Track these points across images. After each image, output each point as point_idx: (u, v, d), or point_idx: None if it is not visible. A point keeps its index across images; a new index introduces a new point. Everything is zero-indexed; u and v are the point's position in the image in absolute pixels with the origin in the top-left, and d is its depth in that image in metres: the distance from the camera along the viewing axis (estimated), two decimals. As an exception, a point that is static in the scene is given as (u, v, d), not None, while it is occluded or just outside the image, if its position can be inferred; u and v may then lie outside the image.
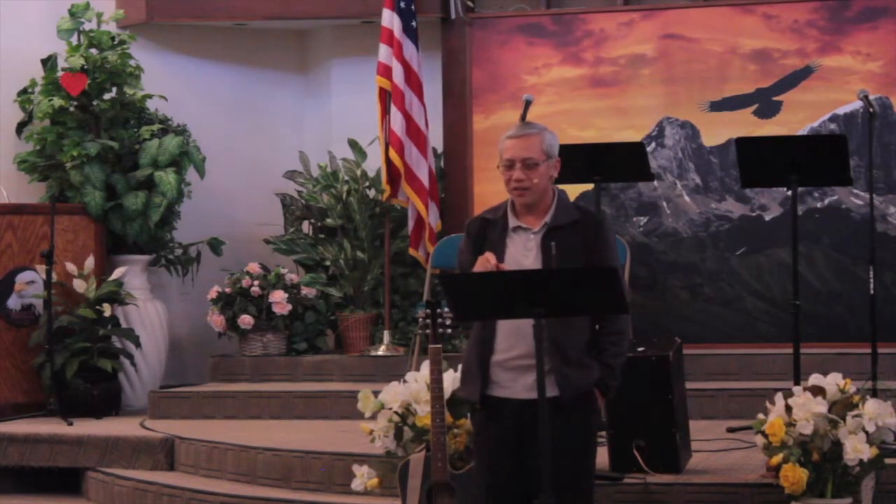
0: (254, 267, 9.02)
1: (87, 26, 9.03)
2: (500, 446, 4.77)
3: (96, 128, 9.03)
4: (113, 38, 9.06)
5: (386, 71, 8.64)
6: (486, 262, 4.69)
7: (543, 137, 4.81)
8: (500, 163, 4.82)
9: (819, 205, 8.59)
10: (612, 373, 4.80)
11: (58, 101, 8.85)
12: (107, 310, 8.58)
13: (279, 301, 8.86)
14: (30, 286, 8.68)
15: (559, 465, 4.57)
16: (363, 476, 6.05)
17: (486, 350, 4.78)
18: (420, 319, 7.77)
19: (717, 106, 8.75)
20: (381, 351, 8.80)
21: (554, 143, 4.85)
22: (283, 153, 9.75)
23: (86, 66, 8.90)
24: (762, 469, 5.76)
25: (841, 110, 8.57)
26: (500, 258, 4.79)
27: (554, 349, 4.66)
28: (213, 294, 8.98)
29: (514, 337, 4.73)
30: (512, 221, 4.85)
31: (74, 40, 9.01)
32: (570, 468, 4.69)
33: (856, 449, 5.30)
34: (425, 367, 5.73)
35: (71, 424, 8.11)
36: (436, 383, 5.44)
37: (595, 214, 4.94)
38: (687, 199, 8.83)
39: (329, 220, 9.28)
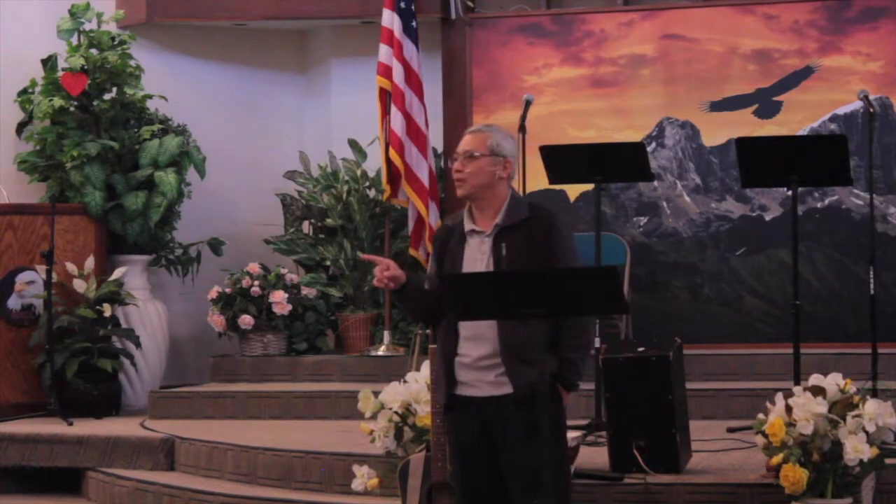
0: (254, 267, 9.02)
1: (87, 26, 9.03)
2: (468, 445, 4.80)
3: (96, 128, 9.03)
4: (113, 39, 9.06)
5: (386, 71, 8.65)
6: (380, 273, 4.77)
7: (492, 135, 4.85)
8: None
9: (819, 205, 8.59)
10: (572, 366, 4.77)
11: (58, 102, 8.85)
12: (107, 310, 8.58)
13: (279, 301, 8.86)
14: (30, 286, 8.68)
15: (525, 459, 4.59)
16: (363, 476, 6.05)
17: (450, 353, 4.80)
18: (420, 319, 7.80)
19: (717, 106, 8.75)
20: (382, 351, 8.81)
21: (504, 144, 4.85)
22: (283, 153, 9.75)
23: (86, 67, 8.90)
24: (762, 469, 5.76)
25: (841, 110, 8.57)
26: (459, 264, 4.81)
27: (507, 349, 4.69)
28: (213, 294, 8.98)
29: (472, 342, 4.76)
30: (467, 225, 4.86)
31: (74, 40, 9.01)
32: (538, 462, 4.67)
33: (856, 449, 5.30)
34: (425, 367, 5.73)
35: (71, 424, 8.11)
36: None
37: (548, 212, 4.89)
38: (687, 199, 8.83)
39: (329, 220, 9.28)
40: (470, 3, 9.18)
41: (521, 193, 5.00)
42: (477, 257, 4.81)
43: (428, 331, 5.46)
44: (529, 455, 4.57)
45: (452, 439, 4.91)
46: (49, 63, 9.11)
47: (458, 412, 4.82)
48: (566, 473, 4.94)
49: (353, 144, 9.32)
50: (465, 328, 4.77)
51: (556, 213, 4.92)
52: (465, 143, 4.87)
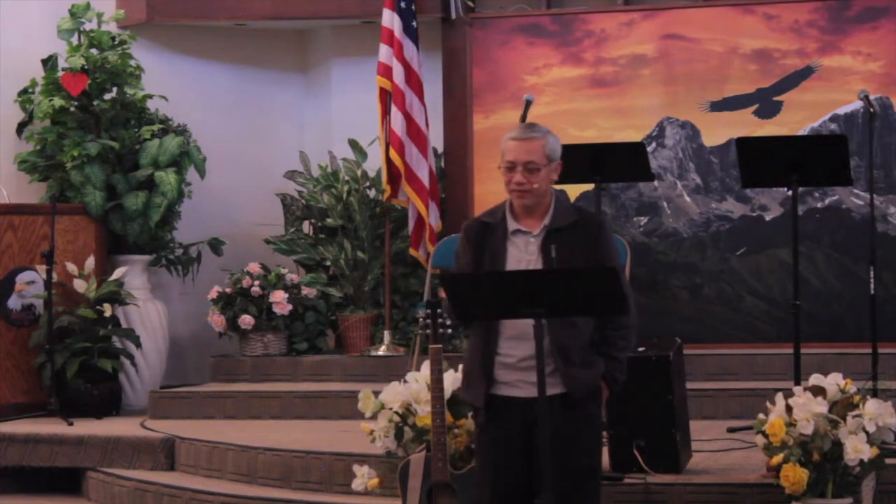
0: (254, 267, 9.02)
1: (87, 26, 9.03)
2: (507, 445, 4.77)
3: (96, 128, 9.03)
4: (113, 38, 9.06)
5: (386, 71, 8.65)
6: None
7: (547, 141, 4.81)
8: (502, 164, 4.82)
9: (819, 205, 8.59)
10: (620, 366, 4.84)
11: (58, 101, 8.85)
12: (107, 310, 8.58)
13: (279, 301, 8.86)
14: (30, 286, 8.68)
15: (569, 460, 4.60)
16: (363, 476, 6.05)
17: (490, 354, 4.77)
18: (420, 319, 7.80)
19: (717, 106, 8.74)
20: (382, 351, 8.80)
21: (556, 146, 4.84)
22: (283, 153, 9.75)
23: (86, 66, 8.90)
24: (762, 469, 5.76)
25: (841, 110, 8.57)
26: (502, 263, 4.79)
27: (556, 350, 4.67)
28: (213, 294, 8.98)
29: (515, 342, 4.73)
30: (511, 225, 4.84)
31: (75, 40, 9.01)
32: (580, 463, 4.71)
33: (856, 449, 5.30)
34: (425, 367, 5.73)
35: (71, 424, 8.11)
36: (436, 383, 5.45)
37: (595, 215, 4.96)
38: (687, 199, 8.83)
39: (329, 220, 9.28)
40: (470, 3, 9.18)
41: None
42: (524, 257, 4.80)
43: (428, 331, 5.45)
44: (573, 455, 4.59)
45: (488, 438, 4.84)
46: (49, 63, 9.11)
47: (495, 412, 4.79)
48: (600, 473, 4.96)
49: (354, 144, 9.32)
50: (509, 327, 4.73)
51: (604, 218, 4.95)
52: (524, 151, 4.77)
